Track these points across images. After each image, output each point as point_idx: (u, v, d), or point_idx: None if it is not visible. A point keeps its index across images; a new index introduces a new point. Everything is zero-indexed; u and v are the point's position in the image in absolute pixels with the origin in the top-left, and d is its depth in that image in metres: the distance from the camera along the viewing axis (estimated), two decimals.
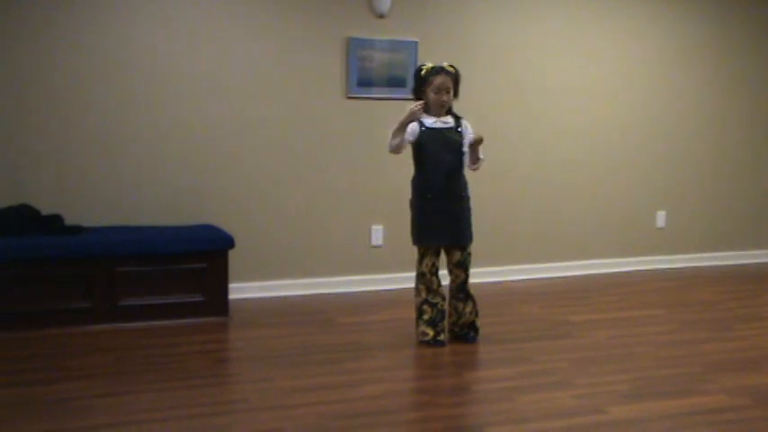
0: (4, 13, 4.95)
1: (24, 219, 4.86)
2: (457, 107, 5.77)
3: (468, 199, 4.56)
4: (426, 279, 4.48)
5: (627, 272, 6.67)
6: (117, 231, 5.05)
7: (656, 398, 3.82)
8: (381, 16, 5.74)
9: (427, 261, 4.47)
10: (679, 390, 3.94)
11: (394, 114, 5.85)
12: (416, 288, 4.54)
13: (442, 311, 4.53)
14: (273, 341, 4.64)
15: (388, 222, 5.96)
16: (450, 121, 4.48)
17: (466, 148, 4.43)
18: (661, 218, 6.87)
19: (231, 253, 5.11)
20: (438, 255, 4.51)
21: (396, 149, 4.42)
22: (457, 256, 4.50)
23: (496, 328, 4.91)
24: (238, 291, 5.42)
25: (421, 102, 4.38)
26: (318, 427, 3.43)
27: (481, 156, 4.44)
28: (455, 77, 4.46)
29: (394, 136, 4.38)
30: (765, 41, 7.04)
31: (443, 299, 4.55)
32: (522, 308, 5.43)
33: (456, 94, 4.50)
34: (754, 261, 7.19)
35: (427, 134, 4.41)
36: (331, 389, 3.87)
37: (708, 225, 7.05)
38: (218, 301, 5.04)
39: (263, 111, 5.57)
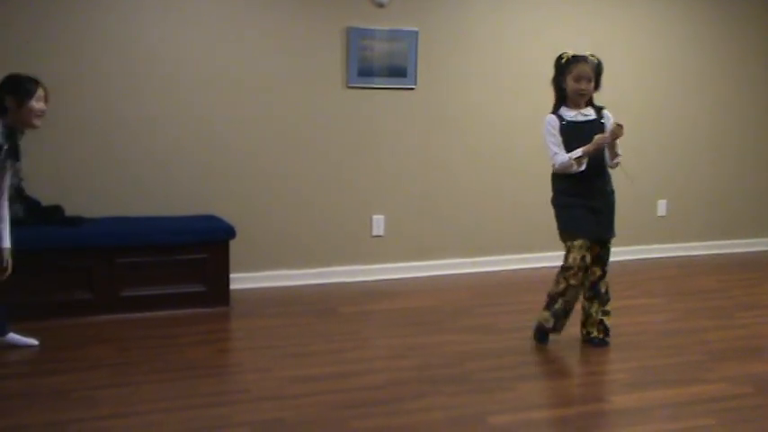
0: (4, 2, 4.93)
1: (24, 210, 4.85)
2: (456, 95, 5.78)
3: (613, 193, 4.36)
4: (571, 272, 4.23)
5: (628, 260, 6.64)
6: (118, 222, 5.05)
7: (658, 386, 3.82)
8: (381, 6, 5.71)
9: (575, 255, 4.24)
10: (681, 378, 3.94)
11: (395, 104, 5.90)
12: (557, 279, 4.32)
13: (569, 311, 4.34)
14: (275, 331, 4.65)
15: (389, 212, 5.95)
16: (590, 113, 4.28)
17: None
18: (662, 206, 6.85)
19: (232, 243, 5.10)
20: (587, 249, 4.26)
21: (566, 169, 4.20)
22: (596, 249, 4.33)
23: (498, 318, 4.92)
24: (239, 281, 5.41)
25: (606, 134, 4.16)
26: (319, 416, 3.44)
27: (619, 152, 4.22)
28: (596, 67, 4.30)
29: (572, 161, 4.16)
30: (767, 29, 7.01)
31: (576, 299, 4.35)
32: (523, 297, 5.42)
33: (598, 86, 4.30)
34: (756, 249, 7.16)
35: (569, 128, 4.22)
36: (332, 379, 3.87)
37: (709, 213, 7.03)
38: (219, 292, 5.03)
39: (263, 101, 5.55)
